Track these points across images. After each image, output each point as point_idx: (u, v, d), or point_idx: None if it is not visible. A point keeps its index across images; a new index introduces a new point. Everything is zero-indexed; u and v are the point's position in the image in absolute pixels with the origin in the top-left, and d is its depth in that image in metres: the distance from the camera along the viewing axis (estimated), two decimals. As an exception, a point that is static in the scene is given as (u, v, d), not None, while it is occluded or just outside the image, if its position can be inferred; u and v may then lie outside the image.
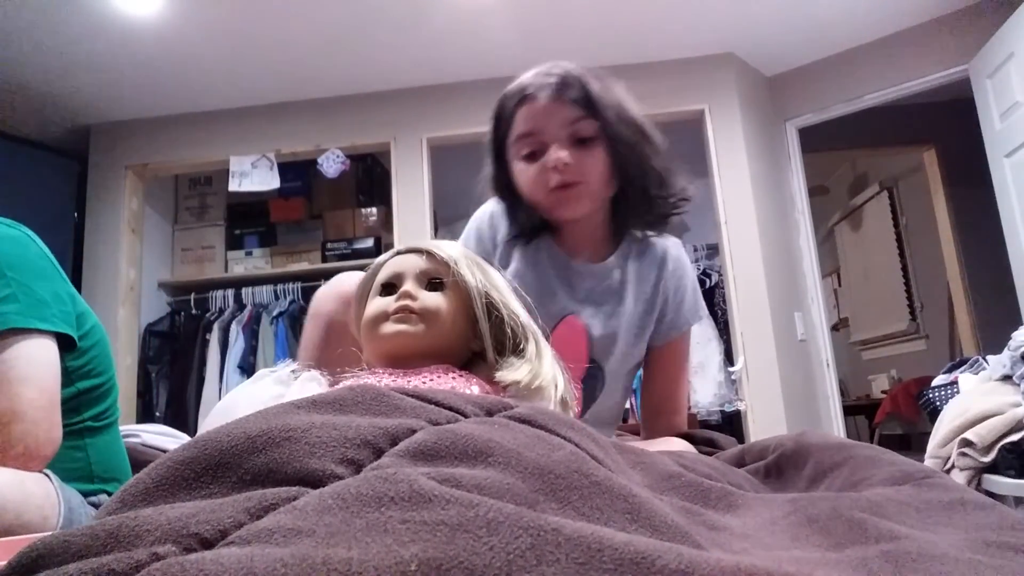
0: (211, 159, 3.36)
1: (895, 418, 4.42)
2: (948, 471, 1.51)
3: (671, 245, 1.10)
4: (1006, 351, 1.59)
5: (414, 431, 0.39)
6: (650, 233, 1.09)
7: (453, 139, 3.15)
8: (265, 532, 0.27)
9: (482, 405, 0.48)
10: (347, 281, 0.93)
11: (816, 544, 0.39)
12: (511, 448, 0.37)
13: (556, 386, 0.70)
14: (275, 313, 3.45)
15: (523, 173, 0.99)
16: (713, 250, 3.52)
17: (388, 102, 3.29)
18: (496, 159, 1.05)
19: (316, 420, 0.38)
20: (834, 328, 4.96)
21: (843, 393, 3.79)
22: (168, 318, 3.56)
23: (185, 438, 1.26)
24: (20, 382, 0.84)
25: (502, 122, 1.01)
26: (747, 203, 3.06)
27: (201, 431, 0.42)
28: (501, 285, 0.76)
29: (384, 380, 0.65)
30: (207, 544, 0.27)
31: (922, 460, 1.49)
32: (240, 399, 0.65)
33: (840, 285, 6.05)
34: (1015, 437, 1.41)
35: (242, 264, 3.67)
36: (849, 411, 4.07)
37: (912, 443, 4.17)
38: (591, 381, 1.05)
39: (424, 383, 0.64)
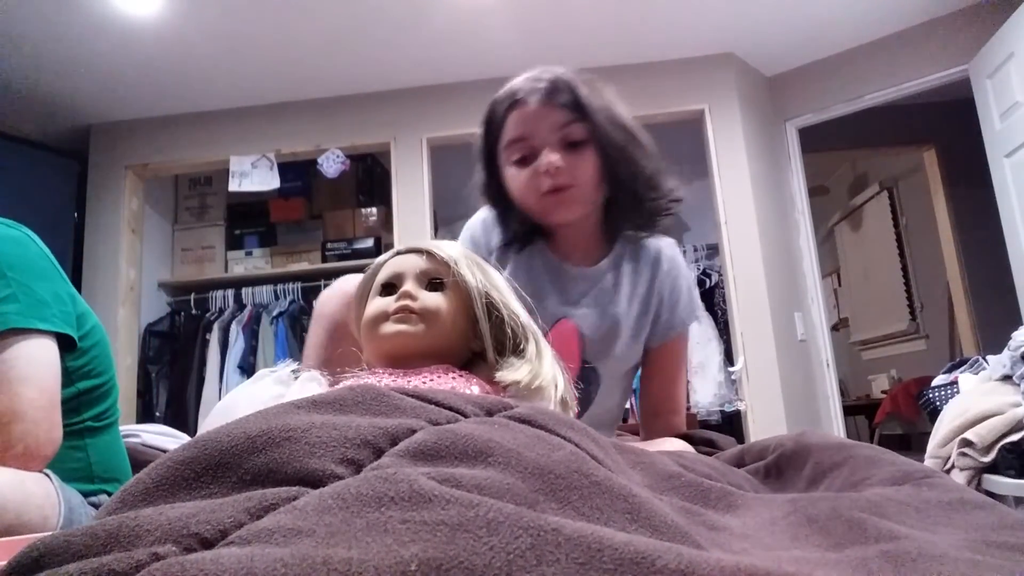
0: (211, 159, 3.36)
1: (895, 418, 4.42)
2: (948, 471, 1.51)
3: (665, 246, 1.10)
4: (1006, 351, 1.59)
5: (414, 431, 0.39)
6: (644, 234, 1.08)
7: (453, 139, 3.15)
8: (265, 532, 0.27)
9: (482, 405, 0.48)
10: (351, 283, 0.93)
11: (816, 544, 0.39)
12: (511, 448, 0.37)
13: (556, 386, 0.70)
14: (275, 313, 3.45)
15: (515, 178, 0.99)
16: (713, 250, 3.52)
17: (388, 102, 3.29)
18: (487, 165, 1.04)
19: (316, 420, 0.38)
20: (834, 328, 4.96)
21: (843, 393, 3.79)
22: (168, 318, 3.56)
23: (185, 438, 1.26)
24: (20, 382, 0.84)
25: (492, 128, 1.01)
26: (747, 203, 3.05)
27: (201, 431, 0.42)
28: (501, 285, 0.76)
29: (384, 380, 0.65)
30: (207, 544, 0.27)
31: (922, 460, 1.49)
32: (240, 399, 0.66)
33: (840, 285, 6.05)
34: (1015, 437, 1.41)
35: (242, 264, 3.67)
36: (849, 411, 4.06)
37: (912, 443, 4.17)
38: (586, 383, 1.05)
39: (424, 383, 0.64)
